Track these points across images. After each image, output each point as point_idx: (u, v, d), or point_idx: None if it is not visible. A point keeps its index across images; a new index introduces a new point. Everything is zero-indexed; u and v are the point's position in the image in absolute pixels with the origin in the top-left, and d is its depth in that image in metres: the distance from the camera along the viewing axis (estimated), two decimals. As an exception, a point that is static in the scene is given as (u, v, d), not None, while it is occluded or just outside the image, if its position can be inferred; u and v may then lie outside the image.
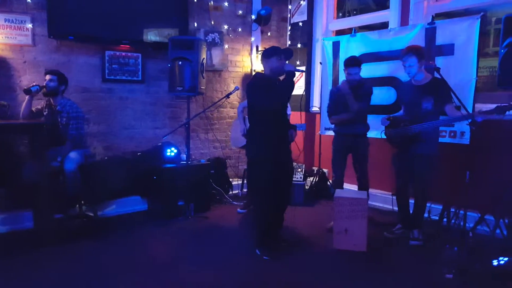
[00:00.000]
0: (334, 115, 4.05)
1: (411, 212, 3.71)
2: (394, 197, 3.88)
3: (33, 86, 3.74)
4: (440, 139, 3.80)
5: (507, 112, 3.00)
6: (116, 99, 4.62)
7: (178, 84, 4.29)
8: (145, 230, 3.90)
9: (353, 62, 3.88)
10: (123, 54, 4.59)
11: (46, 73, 3.87)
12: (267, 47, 5.71)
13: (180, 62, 4.26)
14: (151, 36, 4.66)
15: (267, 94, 3.13)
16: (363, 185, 3.99)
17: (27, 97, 3.76)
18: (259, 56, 5.70)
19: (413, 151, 3.47)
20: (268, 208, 3.33)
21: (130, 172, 4.22)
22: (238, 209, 4.49)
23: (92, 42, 4.35)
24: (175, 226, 4.07)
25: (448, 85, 3.29)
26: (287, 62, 3.34)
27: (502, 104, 3.01)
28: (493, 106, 3.05)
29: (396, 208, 3.91)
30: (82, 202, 3.97)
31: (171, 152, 4.48)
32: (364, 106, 3.89)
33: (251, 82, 3.30)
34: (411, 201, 3.70)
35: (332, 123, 4.18)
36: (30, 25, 4.04)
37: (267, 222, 3.36)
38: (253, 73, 5.69)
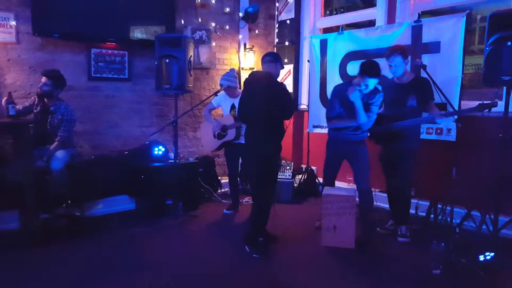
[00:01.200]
0: (335, 118, 3.56)
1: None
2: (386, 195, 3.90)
3: (11, 106, 3.49)
4: (427, 136, 3.84)
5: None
6: (103, 98, 4.55)
7: (165, 82, 4.24)
8: (133, 230, 3.86)
9: (376, 73, 3.27)
10: (109, 52, 4.52)
11: (42, 74, 3.78)
12: (254, 44, 5.77)
13: (167, 60, 4.21)
14: (138, 33, 4.60)
15: (244, 97, 3.35)
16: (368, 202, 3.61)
17: None
18: (247, 54, 5.69)
19: (396, 147, 3.51)
20: (269, 205, 3.37)
21: (117, 171, 4.17)
22: (225, 210, 4.47)
23: (77, 40, 4.27)
24: (163, 225, 4.03)
25: (431, 83, 3.32)
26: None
27: (484, 102, 3.05)
28: (477, 103, 3.09)
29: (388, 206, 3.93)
30: (69, 201, 3.90)
31: (158, 150, 4.44)
32: (373, 118, 3.46)
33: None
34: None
35: (330, 127, 3.70)
36: (13, 23, 3.94)
37: (265, 220, 3.37)
38: (241, 71, 5.67)
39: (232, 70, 4.37)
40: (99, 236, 3.65)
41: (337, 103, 3.50)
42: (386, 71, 4.11)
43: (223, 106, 4.36)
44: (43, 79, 3.75)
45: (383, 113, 3.69)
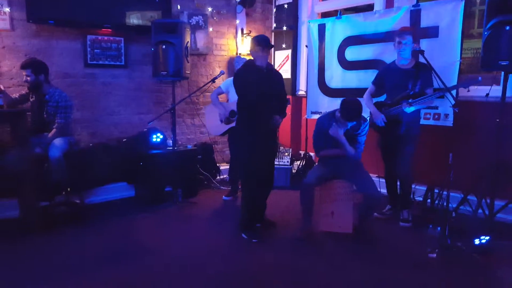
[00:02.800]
0: (323, 149, 3.52)
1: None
2: (379, 180, 3.93)
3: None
4: (424, 122, 3.86)
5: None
6: (99, 85, 4.54)
7: (162, 68, 4.24)
8: (133, 217, 3.90)
9: (356, 118, 3.25)
10: (105, 38, 4.49)
11: (20, 68, 3.73)
12: (252, 29, 5.74)
13: (163, 46, 4.20)
14: (134, 19, 4.56)
15: (246, 85, 3.23)
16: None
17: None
18: (245, 39, 5.65)
19: (397, 133, 3.53)
20: (254, 192, 3.38)
21: (115, 158, 4.19)
22: (224, 196, 4.50)
23: (73, 26, 4.24)
24: (163, 212, 4.07)
25: (430, 69, 3.33)
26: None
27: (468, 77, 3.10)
28: (475, 88, 3.11)
29: (383, 190, 3.97)
30: (68, 189, 3.91)
31: (157, 138, 4.45)
32: (361, 149, 3.44)
33: (236, 72, 3.37)
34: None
35: (319, 157, 3.64)
36: (7, 9, 3.90)
37: (253, 206, 3.41)
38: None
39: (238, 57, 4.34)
40: (99, 223, 3.69)
41: (323, 135, 3.45)
42: (387, 56, 4.11)
43: (231, 91, 4.33)
44: (23, 72, 3.70)
45: (383, 100, 3.71)
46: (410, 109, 3.39)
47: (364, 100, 3.78)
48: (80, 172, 3.85)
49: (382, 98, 3.87)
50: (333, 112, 3.45)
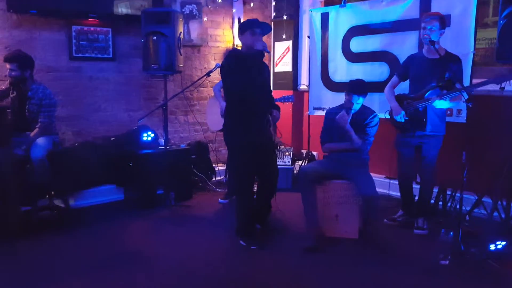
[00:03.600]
0: (329, 142, 3.58)
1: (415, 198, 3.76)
2: (390, 181, 3.90)
3: None
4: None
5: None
6: (85, 79, 4.53)
7: (153, 61, 4.22)
8: (122, 221, 3.89)
9: (360, 90, 3.39)
10: (92, 29, 4.48)
11: (4, 61, 3.68)
12: (249, 18, 5.70)
13: (154, 37, 4.18)
14: (122, 8, 4.54)
15: (239, 77, 3.11)
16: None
17: None
18: (242, 30, 5.63)
19: (420, 131, 3.47)
20: (248, 196, 3.37)
21: (103, 159, 4.18)
22: (220, 199, 4.50)
23: (56, 16, 4.22)
24: (154, 216, 4.06)
25: (460, 61, 3.29)
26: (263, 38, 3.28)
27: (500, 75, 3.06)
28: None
29: (392, 193, 3.95)
30: (52, 192, 3.92)
31: (147, 136, 4.44)
32: (370, 141, 3.47)
33: (223, 62, 3.28)
34: (415, 186, 3.74)
35: (324, 152, 3.73)
36: (-16, -2, 3.89)
37: (248, 211, 3.40)
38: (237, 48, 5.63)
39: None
40: (84, 229, 3.68)
41: (329, 128, 3.55)
42: (395, 47, 4.04)
43: None
44: (7, 65, 3.66)
45: (405, 94, 3.65)
46: (441, 104, 3.28)
47: (385, 94, 3.77)
48: (64, 174, 3.84)
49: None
50: (342, 104, 3.50)
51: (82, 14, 4.33)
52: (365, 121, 3.43)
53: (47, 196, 3.90)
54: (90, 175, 4.06)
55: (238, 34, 3.30)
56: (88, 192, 4.32)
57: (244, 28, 3.21)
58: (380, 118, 3.69)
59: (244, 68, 3.12)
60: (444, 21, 3.42)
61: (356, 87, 3.40)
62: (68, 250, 3.26)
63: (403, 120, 3.52)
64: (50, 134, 3.85)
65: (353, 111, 3.39)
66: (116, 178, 4.39)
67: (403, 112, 3.52)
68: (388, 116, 3.72)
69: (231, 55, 3.32)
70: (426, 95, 3.39)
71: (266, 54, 3.28)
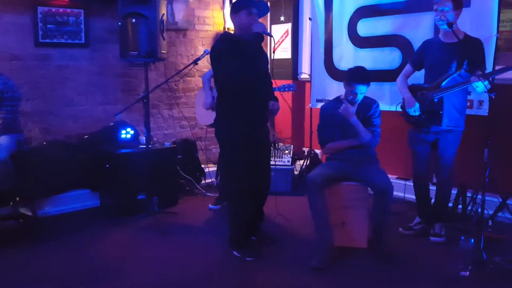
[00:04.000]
0: (330, 141, 3.60)
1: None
2: (405, 183, 3.91)
3: None
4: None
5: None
6: (54, 69, 4.52)
7: (132, 48, 4.22)
8: (97, 231, 3.89)
9: (364, 78, 3.42)
10: (61, 10, 4.47)
11: None
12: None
13: (133, 20, 4.18)
14: (96, -14, 4.54)
15: (232, 63, 3.08)
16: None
17: None
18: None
19: (437, 125, 3.49)
20: (244, 201, 3.37)
21: (76, 160, 4.18)
22: (210, 205, 4.52)
23: (19, -5, 4.21)
24: (134, 224, 4.07)
25: (482, 45, 3.32)
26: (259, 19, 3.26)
27: None
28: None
29: (408, 196, 3.96)
30: (17, 198, 3.91)
31: (126, 134, 4.43)
32: (378, 132, 3.51)
33: (215, 46, 3.23)
34: (432, 187, 3.76)
35: (326, 153, 3.75)
36: None
37: (243, 218, 3.41)
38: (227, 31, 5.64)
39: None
40: (54, 241, 3.67)
41: (328, 125, 3.58)
42: (409, 30, 4.06)
43: None
44: None
45: (420, 84, 3.66)
46: (481, 87, 3.22)
47: (397, 84, 3.78)
48: (31, 177, 3.83)
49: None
50: (338, 97, 3.57)
51: (49, -8, 4.32)
52: (370, 112, 3.49)
53: (11, 203, 3.89)
54: (60, 178, 4.06)
55: (231, 14, 3.27)
56: (59, 198, 4.31)
57: (239, 7, 3.17)
58: (392, 111, 3.72)
59: (239, 54, 3.10)
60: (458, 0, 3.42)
61: (358, 75, 3.43)
62: (34, 265, 3.25)
63: (417, 114, 3.54)
64: (14, 132, 3.84)
65: (357, 101, 3.45)
66: (91, 182, 4.38)
67: (417, 105, 3.52)
68: (400, 109, 3.74)
69: (223, 38, 3.29)
70: (443, 84, 3.40)
71: (266, 37, 3.27)
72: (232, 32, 3.39)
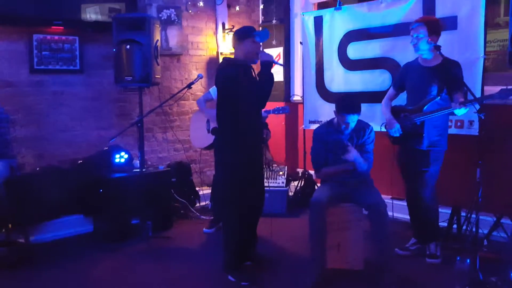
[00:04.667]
0: (324, 165, 3.53)
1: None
2: (392, 201, 3.88)
3: None
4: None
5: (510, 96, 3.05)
6: (49, 95, 4.49)
7: (126, 73, 4.22)
8: (91, 257, 3.83)
9: (354, 109, 3.33)
10: (56, 37, 4.47)
11: None
12: (235, 24, 5.76)
13: (128, 46, 4.19)
14: (91, 14, 4.56)
15: (246, 87, 3.16)
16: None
17: None
18: (227, 36, 5.66)
19: (417, 146, 3.50)
20: (240, 224, 3.33)
21: (69, 185, 4.13)
22: (204, 229, 4.46)
23: (15, 24, 4.19)
24: (128, 250, 4.00)
25: (461, 68, 3.33)
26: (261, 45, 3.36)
27: (508, 87, 3.07)
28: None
29: (397, 215, 3.92)
30: (9, 225, 3.83)
31: (120, 158, 4.40)
32: (371, 159, 3.46)
33: (222, 70, 3.28)
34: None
35: (320, 178, 3.72)
36: None
37: (239, 241, 3.36)
38: (220, 56, 5.65)
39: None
40: (48, 268, 3.61)
41: (321, 149, 3.50)
42: (397, 53, 4.15)
43: None
44: None
45: (402, 106, 3.70)
46: (461, 112, 3.28)
47: (381, 106, 3.82)
48: (24, 203, 3.79)
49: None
50: (330, 120, 3.51)
51: (44, 21, 4.32)
52: (363, 138, 3.43)
53: (3, 230, 3.82)
54: (54, 204, 4.00)
55: (235, 42, 3.34)
56: (52, 224, 4.24)
57: (243, 36, 3.27)
58: (383, 132, 3.71)
59: (246, 79, 3.20)
60: (435, 25, 3.45)
61: (348, 107, 3.33)
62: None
63: (397, 135, 3.60)
64: (6, 157, 3.80)
65: (349, 131, 3.39)
66: (84, 207, 4.33)
67: (397, 125, 3.57)
68: (384, 129, 3.74)
69: (232, 63, 3.32)
70: (425, 108, 3.42)
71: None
72: (232, 57, 3.40)
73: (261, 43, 3.37)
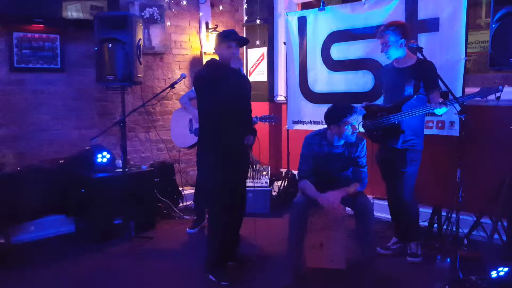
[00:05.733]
0: (309, 177, 3.40)
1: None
2: (373, 201, 3.91)
3: None
4: (427, 131, 3.91)
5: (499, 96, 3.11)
6: (29, 93, 4.42)
7: (108, 72, 4.19)
8: (72, 258, 3.80)
9: (349, 109, 3.29)
10: (36, 36, 4.40)
11: None
12: (218, 23, 5.74)
13: (110, 45, 4.16)
14: (72, 12, 4.51)
15: (220, 87, 3.17)
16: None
17: None
18: (210, 35, 5.64)
19: (395, 146, 3.53)
20: (223, 223, 3.33)
21: (51, 185, 4.09)
22: (187, 229, 4.45)
23: (-6, 22, 4.13)
24: (110, 250, 3.98)
25: (435, 68, 3.38)
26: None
27: (488, 87, 3.13)
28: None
29: (379, 215, 3.95)
30: (-11, 226, 3.79)
31: (102, 157, 4.36)
32: (366, 173, 3.42)
33: (197, 73, 3.34)
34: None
35: (302, 188, 3.45)
36: None
37: (221, 241, 3.35)
38: (204, 56, 5.63)
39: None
40: (29, 268, 3.57)
41: (310, 159, 3.41)
42: (380, 54, 4.17)
43: None
44: None
45: (378, 104, 3.73)
46: (442, 111, 3.33)
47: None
48: (5, 203, 3.75)
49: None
50: (324, 132, 3.39)
51: (25, 18, 4.25)
52: (357, 152, 3.36)
53: (-17, 231, 3.76)
54: (35, 204, 3.94)
55: (214, 44, 3.39)
56: (33, 224, 4.20)
57: (219, 40, 3.31)
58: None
59: (221, 80, 3.21)
60: (401, 28, 3.47)
61: (342, 110, 3.26)
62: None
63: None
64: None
65: (342, 142, 3.33)
66: (66, 207, 4.27)
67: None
68: (362, 129, 3.74)
69: (207, 64, 3.41)
70: (403, 107, 3.45)
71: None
72: (216, 58, 3.42)
73: (235, 50, 3.30)
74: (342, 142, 3.34)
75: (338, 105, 3.38)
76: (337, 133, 3.27)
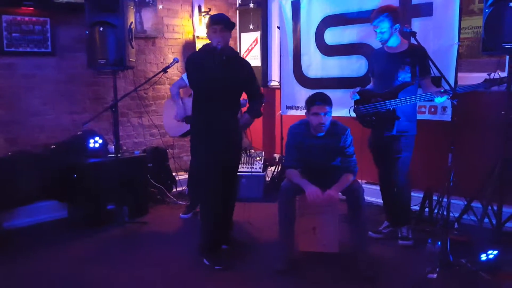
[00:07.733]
0: (295, 166, 3.42)
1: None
2: (362, 185, 3.94)
3: None
4: (419, 116, 3.94)
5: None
6: (20, 78, 4.39)
7: (100, 56, 4.16)
8: (65, 243, 3.81)
9: (327, 101, 3.28)
10: (26, 19, 4.35)
11: None
12: (211, 7, 5.71)
13: (101, 28, 4.12)
14: (62, -6, 4.44)
15: (204, 71, 3.27)
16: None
17: None
18: (203, 19, 5.62)
19: (388, 132, 3.55)
20: (215, 208, 3.36)
21: (43, 170, 4.09)
22: (181, 214, 4.47)
23: (-18, 4, 4.08)
24: (104, 235, 3.99)
25: (427, 53, 3.39)
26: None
27: (492, 78, 3.16)
28: (476, 75, 3.19)
29: (370, 199, 3.98)
30: (-19, 211, 3.79)
31: (95, 143, 4.35)
32: (355, 161, 3.41)
33: (189, 55, 3.45)
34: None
35: (288, 176, 3.45)
36: None
37: (215, 223, 3.38)
38: (196, 40, 5.61)
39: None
40: (21, 254, 3.58)
41: (294, 149, 3.43)
42: (374, 39, 4.19)
43: None
44: None
45: (371, 89, 3.75)
46: (442, 99, 3.34)
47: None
48: (-4, 189, 3.73)
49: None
50: (306, 121, 3.40)
51: (14, 1, 4.20)
52: (341, 143, 3.35)
53: (-25, 216, 3.77)
54: (27, 189, 3.96)
55: (207, 27, 3.42)
56: (25, 210, 4.20)
57: (207, 25, 3.36)
58: (348, 117, 3.75)
59: (212, 64, 3.22)
60: (394, 13, 3.48)
61: (319, 98, 3.27)
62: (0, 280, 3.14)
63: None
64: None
65: (323, 133, 3.32)
66: (58, 193, 4.28)
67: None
68: (353, 114, 3.75)
69: (201, 48, 3.52)
70: (400, 93, 3.47)
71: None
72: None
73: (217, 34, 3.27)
74: (322, 133, 3.33)
75: (311, 95, 3.36)
76: (314, 121, 3.28)
